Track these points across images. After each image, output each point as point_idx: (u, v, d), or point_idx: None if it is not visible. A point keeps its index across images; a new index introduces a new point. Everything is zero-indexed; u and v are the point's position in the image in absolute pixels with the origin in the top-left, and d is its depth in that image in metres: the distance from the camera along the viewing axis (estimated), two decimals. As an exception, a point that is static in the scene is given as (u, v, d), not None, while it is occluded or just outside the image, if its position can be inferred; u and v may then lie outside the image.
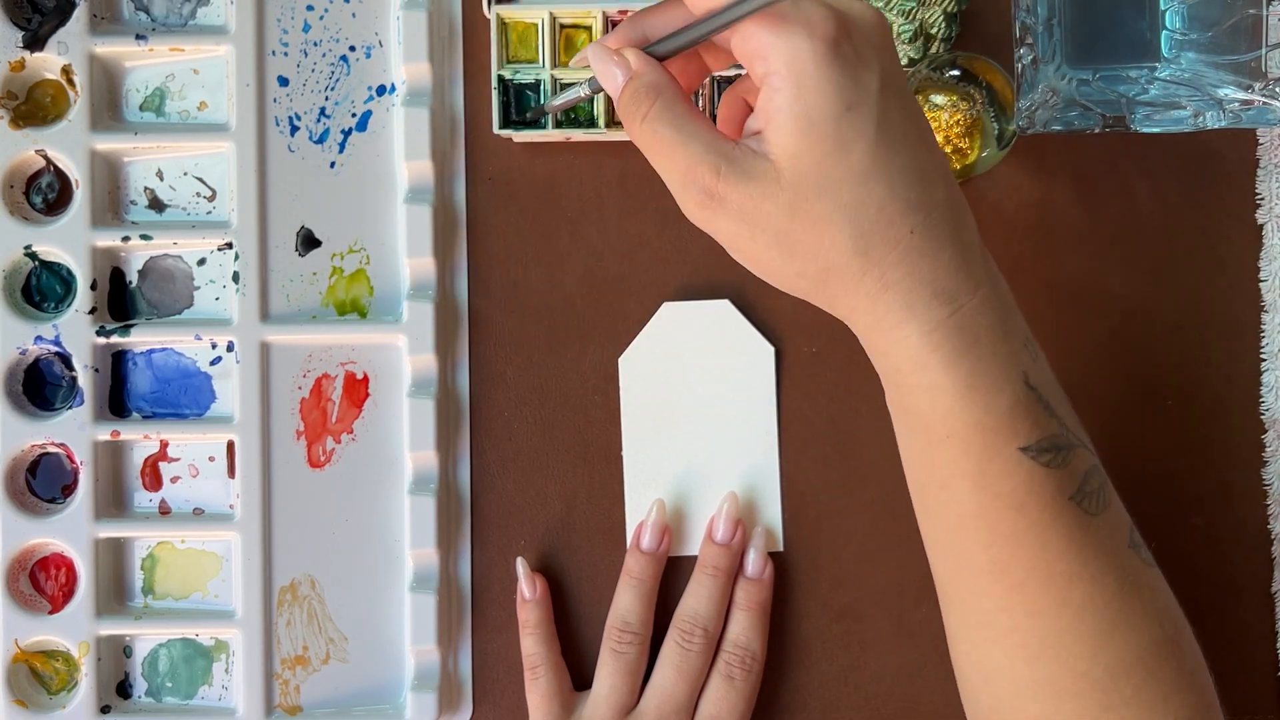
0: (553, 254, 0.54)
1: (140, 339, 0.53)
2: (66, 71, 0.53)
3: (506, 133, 0.52)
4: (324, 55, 0.54)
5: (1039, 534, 0.39)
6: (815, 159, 0.36)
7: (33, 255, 0.53)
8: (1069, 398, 0.41)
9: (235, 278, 0.53)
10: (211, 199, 0.54)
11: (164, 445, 0.54)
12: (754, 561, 0.52)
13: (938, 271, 0.37)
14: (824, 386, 0.54)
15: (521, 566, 0.53)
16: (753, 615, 0.52)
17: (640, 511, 0.53)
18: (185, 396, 0.54)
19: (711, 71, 0.41)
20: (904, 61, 0.52)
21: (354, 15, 0.54)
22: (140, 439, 0.53)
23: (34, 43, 0.52)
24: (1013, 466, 0.39)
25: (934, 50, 0.52)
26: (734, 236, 0.38)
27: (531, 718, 0.52)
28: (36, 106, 0.53)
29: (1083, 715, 0.40)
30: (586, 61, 0.41)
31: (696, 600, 0.51)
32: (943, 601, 0.43)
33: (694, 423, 0.54)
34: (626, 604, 0.51)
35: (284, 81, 0.54)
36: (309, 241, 0.54)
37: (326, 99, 0.54)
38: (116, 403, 0.53)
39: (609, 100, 0.52)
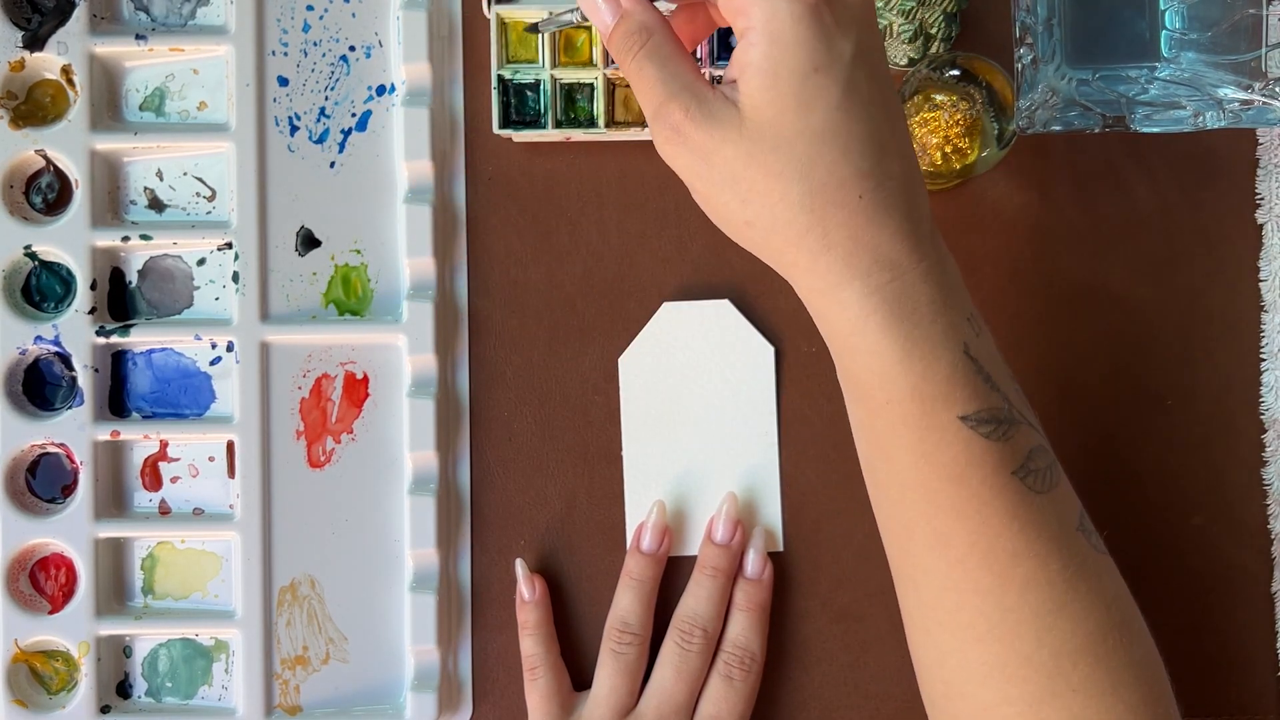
0: (552, 254, 0.54)
1: (140, 339, 0.53)
2: (66, 71, 0.53)
3: (506, 133, 0.52)
4: (324, 55, 0.54)
5: (979, 507, 0.39)
6: (776, 113, 0.37)
7: (32, 255, 0.53)
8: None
9: (235, 278, 0.53)
10: (211, 199, 0.54)
11: (164, 445, 0.54)
12: (753, 562, 0.52)
13: (881, 239, 0.38)
14: (824, 386, 0.54)
15: (520, 568, 0.53)
16: (752, 616, 0.52)
17: (640, 512, 0.53)
18: (185, 396, 0.54)
19: (717, 26, 0.42)
20: (904, 62, 0.52)
21: (354, 15, 0.54)
22: (140, 439, 0.53)
23: (34, 43, 0.52)
24: (951, 435, 0.39)
25: (934, 50, 0.52)
26: (692, 173, 0.40)
27: (531, 718, 0.52)
28: (36, 106, 0.53)
29: (1029, 701, 0.40)
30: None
31: (696, 601, 0.51)
32: (896, 584, 0.43)
33: (694, 423, 0.54)
34: (626, 605, 0.51)
35: (284, 81, 0.54)
36: (309, 241, 0.54)
37: (326, 99, 0.54)
38: (116, 403, 0.53)
39: (609, 100, 0.52)
